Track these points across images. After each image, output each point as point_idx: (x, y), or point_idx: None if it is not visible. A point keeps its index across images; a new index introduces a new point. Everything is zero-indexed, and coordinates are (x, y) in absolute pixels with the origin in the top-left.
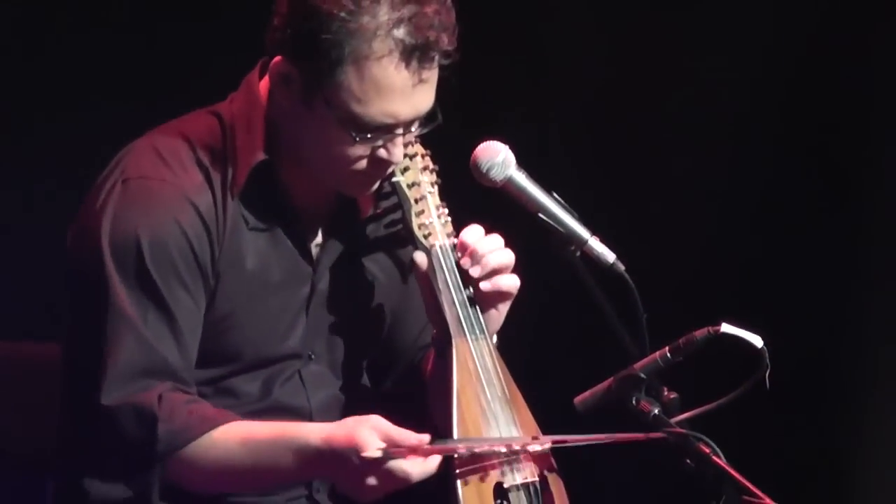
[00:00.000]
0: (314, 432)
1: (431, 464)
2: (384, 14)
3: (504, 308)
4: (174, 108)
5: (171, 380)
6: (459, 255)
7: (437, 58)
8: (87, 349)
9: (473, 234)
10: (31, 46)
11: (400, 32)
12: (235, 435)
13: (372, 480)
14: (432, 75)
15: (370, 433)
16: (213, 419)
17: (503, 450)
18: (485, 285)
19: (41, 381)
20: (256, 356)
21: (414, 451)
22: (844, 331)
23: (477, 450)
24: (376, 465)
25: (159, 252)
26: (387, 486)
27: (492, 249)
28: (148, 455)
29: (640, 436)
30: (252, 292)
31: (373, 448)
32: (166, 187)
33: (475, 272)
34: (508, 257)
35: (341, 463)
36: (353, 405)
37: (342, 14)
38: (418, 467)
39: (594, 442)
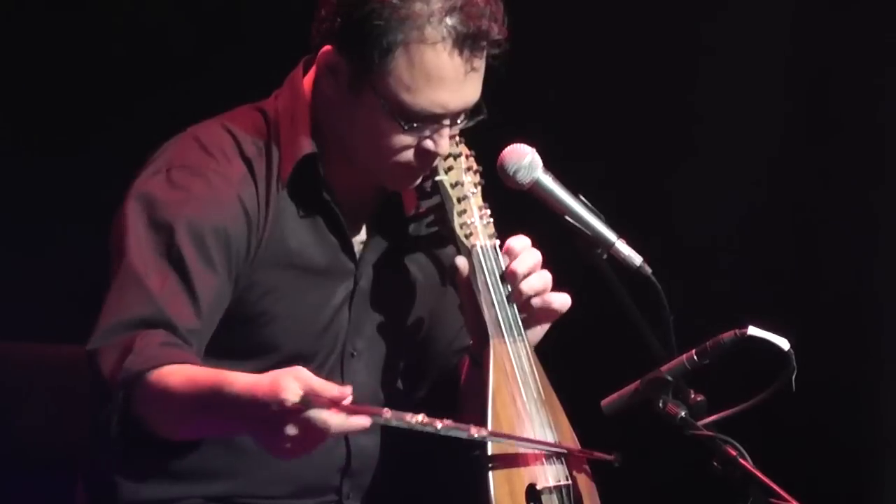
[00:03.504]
0: (240, 380)
1: (355, 421)
2: (436, 2)
3: (547, 324)
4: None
5: (168, 331)
6: (504, 258)
7: (486, 47)
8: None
9: (519, 243)
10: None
11: (452, 20)
12: (182, 373)
13: (290, 430)
14: (481, 65)
15: (292, 381)
16: (174, 356)
17: (461, 435)
18: (536, 301)
19: (70, 382)
20: (295, 350)
21: (335, 403)
22: (871, 333)
23: (409, 424)
24: (295, 413)
25: (195, 233)
26: (305, 438)
27: (529, 271)
28: (113, 386)
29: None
30: (293, 284)
31: (293, 393)
32: (210, 175)
33: (518, 298)
34: (544, 281)
35: (261, 412)
36: (389, 405)
37: (394, 1)
38: (338, 419)
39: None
